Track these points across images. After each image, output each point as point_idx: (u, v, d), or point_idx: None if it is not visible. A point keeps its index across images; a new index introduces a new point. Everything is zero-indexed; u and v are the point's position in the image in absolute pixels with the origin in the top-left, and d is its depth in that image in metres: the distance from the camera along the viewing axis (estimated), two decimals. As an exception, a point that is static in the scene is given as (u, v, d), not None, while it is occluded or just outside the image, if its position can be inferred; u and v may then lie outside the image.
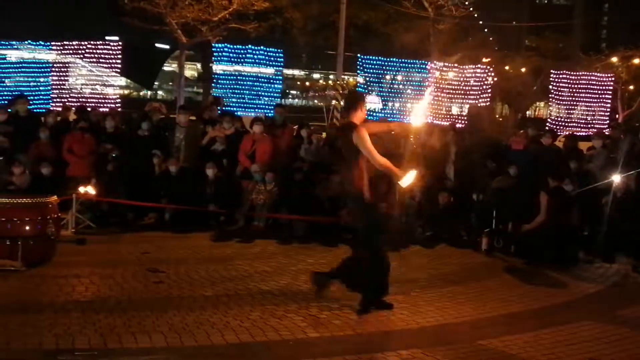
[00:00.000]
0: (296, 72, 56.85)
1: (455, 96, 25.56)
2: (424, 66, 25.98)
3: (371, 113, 25.41)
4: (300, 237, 13.14)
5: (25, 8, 47.13)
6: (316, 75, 57.69)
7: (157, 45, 39.90)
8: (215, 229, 13.49)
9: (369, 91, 26.56)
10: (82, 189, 13.33)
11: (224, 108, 19.32)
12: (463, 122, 22.42)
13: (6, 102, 18.58)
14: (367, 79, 26.25)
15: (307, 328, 7.86)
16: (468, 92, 25.35)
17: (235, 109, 21.65)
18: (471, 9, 29.12)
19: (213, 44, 25.66)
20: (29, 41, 23.88)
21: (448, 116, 25.12)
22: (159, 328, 7.53)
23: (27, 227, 10.04)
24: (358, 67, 26.35)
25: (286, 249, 12.49)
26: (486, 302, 9.52)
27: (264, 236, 13.16)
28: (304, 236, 13.14)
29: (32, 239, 10.03)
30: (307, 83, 60.45)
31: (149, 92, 43.43)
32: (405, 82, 26.98)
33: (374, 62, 25.85)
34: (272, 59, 24.96)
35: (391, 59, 26.23)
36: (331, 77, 33.04)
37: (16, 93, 19.04)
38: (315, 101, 50.50)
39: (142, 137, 15.30)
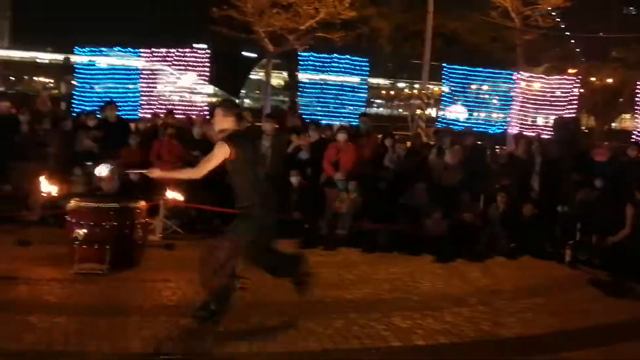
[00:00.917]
0: (381, 81, 56.74)
1: (541, 107, 25.24)
2: (509, 76, 25.77)
3: (456, 122, 25.33)
4: (383, 246, 13.16)
5: (115, 16, 48.28)
6: (401, 84, 57.55)
7: (244, 53, 40.41)
8: (299, 236, 13.53)
9: (455, 101, 26.47)
10: (169, 195, 13.55)
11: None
12: (549, 133, 22.14)
13: (96, 108, 19.04)
14: (453, 88, 26.13)
15: (389, 337, 7.92)
16: (554, 103, 25.02)
17: (320, 117, 21.79)
18: (558, 19, 28.67)
19: (299, 53, 25.87)
20: (118, 48, 24.43)
21: (533, 127, 24.82)
22: (244, 334, 7.67)
23: (116, 232, 10.33)
24: (443, 76, 26.25)
25: (369, 257, 12.54)
26: (569, 314, 9.46)
27: (347, 244, 13.20)
28: (387, 245, 13.17)
29: (120, 243, 10.29)
30: (392, 92, 60.38)
31: (236, 100, 43.98)
32: (490, 92, 26.82)
33: (460, 71, 25.71)
34: (357, 67, 25.03)
35: (477, 69, 26.07)
36: (416, 86, 32.90)
37: (105, 99, 19.50)
38: (400, 110, 50.35)
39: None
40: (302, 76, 25.62)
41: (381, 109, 57.94)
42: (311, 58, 25.02)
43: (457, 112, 26.48)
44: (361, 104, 25.21)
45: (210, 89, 30.47)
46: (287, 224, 13.79)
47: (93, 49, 24.34)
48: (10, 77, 52.35)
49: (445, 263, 12.23)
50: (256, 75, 44.46)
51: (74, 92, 24.23)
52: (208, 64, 23.89)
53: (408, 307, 9.25)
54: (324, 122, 19.24)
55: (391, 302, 9.42)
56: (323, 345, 7.51)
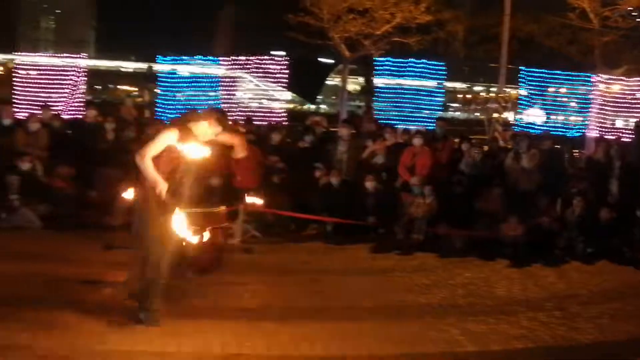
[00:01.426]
0: (457, 85, 56.41)
1: (621, 109, 24.76)
2: (588, 79, 25.36)
3: (533, 126, 25.10)
4: (459, 250, 13.17)
5: (197, 26, 49.17)
6: (478, 88, 57.09)
7: (320, 59, 40.63)
8: (375, 241, 13.64)
9: (532, 104, 26.21)
10: (249, 200, 13.75)
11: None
12: (628, 136, 21.75)
13: (179, 115, 19.44)
14: (530, 91, 25.88)
15: (464, 341, 7.98)
16: (634, 106, 24.51)
17: (396, 122, 21.85)
18: (638, 19, 28.03)
19: (375, 58, 25.95)
20: (200, 56, 24.88)
21: (613, 130, 24.38)
22: (319, 336, 7.80)
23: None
24: (520, 79, 26.01)
25: (444, 262, 12.54)
26: (646, 319, 9.39)
27: (423, 249, 13.21)
28: (463, 250, 13.18)
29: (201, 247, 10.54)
30: (469, 96, 59.97)
31: (313, 106, 44.21)
32: (569, 95, 26.47)
33: (537, 74, 25.43)
34: (433, 72, 25.02)
35: (554, 72, 25.74)
36: (493, 89, 32.59)
37: (187, 107, 19.91)
38: (477, 114, 49.97)
39: (305, 150, 15.76)
40: (378, 81, 25.70)
41: (458, 113, 57.59)
42: (387, 63, 25.12)
43: (534, 116, 26.22)
44: (437, 108, 25.23)
45: (288, 95, 30.77)
46: (363, 228, 13.98)
47: (175, 57, 24.88)
48: (96, 86, 53.60)
49: (521, 268, 12.17)
50: (332, 80, 44.63)
51: (156, 99, 24.83)
52: (286, 71, 24.14)
53: (483, 311, 9.31)
54: (399, 126, 19.28)
55: (466, 307, 9.48)
56: (399, 348, 7.62)
